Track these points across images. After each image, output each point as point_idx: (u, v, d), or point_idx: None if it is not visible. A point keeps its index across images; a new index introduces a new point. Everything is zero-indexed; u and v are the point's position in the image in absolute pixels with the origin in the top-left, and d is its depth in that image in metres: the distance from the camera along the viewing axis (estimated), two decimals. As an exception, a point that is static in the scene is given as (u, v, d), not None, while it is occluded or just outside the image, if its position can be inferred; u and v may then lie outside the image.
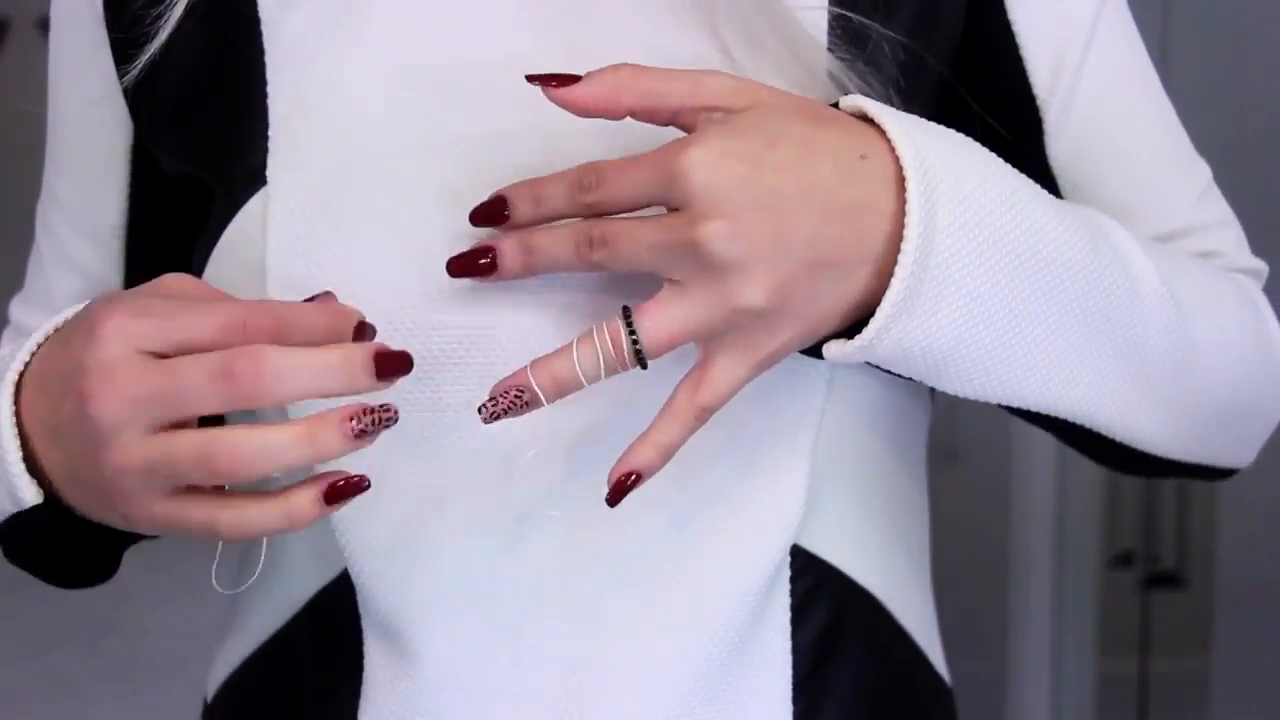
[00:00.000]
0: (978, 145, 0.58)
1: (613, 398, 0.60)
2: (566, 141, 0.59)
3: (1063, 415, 0.61)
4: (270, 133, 0.62)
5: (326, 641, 0.64)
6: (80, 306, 0.59)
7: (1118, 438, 0.63)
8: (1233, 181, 0.71)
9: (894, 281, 0.54)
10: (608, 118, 0.55)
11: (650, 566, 0.62)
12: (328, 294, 0.54)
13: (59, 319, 0.61)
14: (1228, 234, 0.71)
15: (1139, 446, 0.64)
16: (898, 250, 0.54)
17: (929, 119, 0.66)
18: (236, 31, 0.64)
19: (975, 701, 2.41)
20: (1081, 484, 2.14)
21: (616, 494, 0.55)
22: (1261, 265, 0.72)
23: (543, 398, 0.54)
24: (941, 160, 0.55)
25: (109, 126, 0.69)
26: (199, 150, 0.65)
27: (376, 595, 0.62)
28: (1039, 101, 0.66)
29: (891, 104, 0.61)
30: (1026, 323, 0.57)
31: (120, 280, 0.73)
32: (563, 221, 0.56)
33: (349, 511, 0.61)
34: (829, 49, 0.61)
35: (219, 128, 0.64)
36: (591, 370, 0.54)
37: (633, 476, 0.55)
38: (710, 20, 0.60)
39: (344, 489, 0.52)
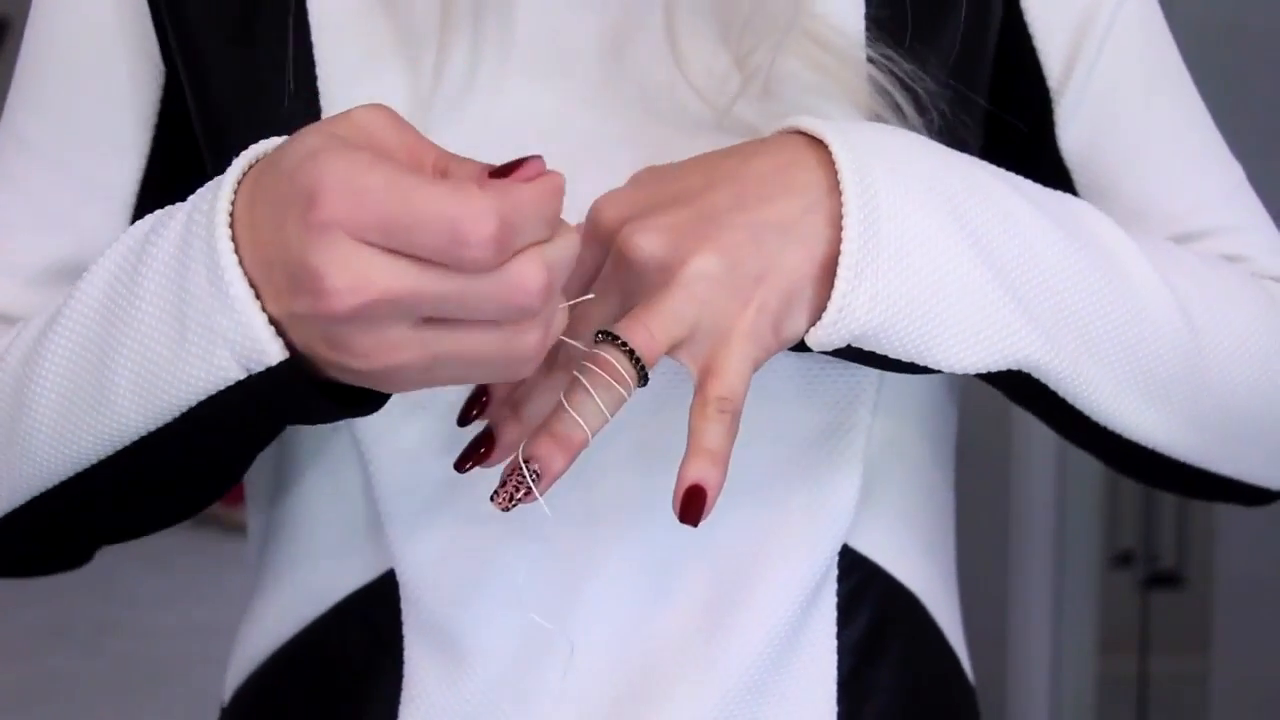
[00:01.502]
0: (904, 131, 0.57)
1: (658, 407, 0.59)
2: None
3: (1055, 388, 0.58)
4: (323, 102, 0.60)
5: (361, 641, 0.64)
6: (262, 147, 0.50)
7: (1117, 429, 0.61)
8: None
9: (847, 208, 0.53)
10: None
11: (703, 567, 0.62)
12: (537, 159, 0.46)
13: (253, 154, 0.50)
14: (1258, 238, 0.68)
15: (1150, 444, 0.62)
16: (840, 194, 0.53)
17: (983, 117, 0.64)
18: None
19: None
20: (1081, 484, 2.14)
21: (691, 512, 0.51)
22: None
23: (553, 466, 0.50)
24: (864, 137, 0.55)
25: (127, 69, 0.64)
26: (236, 115, 0.62)
27: (426, 598, 0.62)
28: (1051, 91, 0.65)
29: (941, 102, 0.61)
30: (994, 270, 0.55)
31: None
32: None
33: (402, 518, 0.61)
34: (867, 46, 0.60)
35: (259, 91, 0.61)
36: (595, 414, 0.50)
37: (698, 490, 0.51)
38: (730, 34, 0.60)
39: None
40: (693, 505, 0.51)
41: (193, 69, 0.62)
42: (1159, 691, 2.39)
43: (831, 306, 0.53)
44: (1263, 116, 1.80)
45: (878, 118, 0.60)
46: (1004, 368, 0.56)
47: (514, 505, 0.50)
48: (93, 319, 0.52)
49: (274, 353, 0.48)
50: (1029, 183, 0.59)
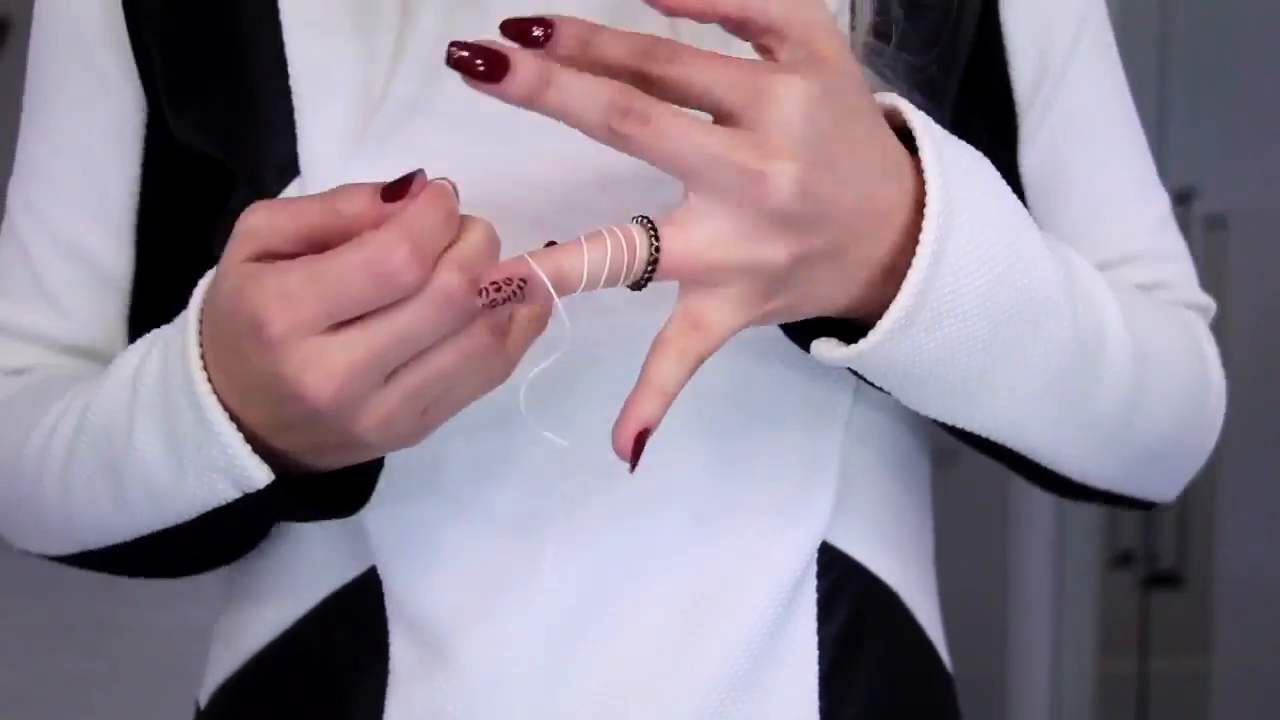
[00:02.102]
0: (994, 173, 0.57)
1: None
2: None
3: (1006, 442, 0.61)
4: (297, 117, 0.61)
5: (346, 637, 0.64)
6: (197, 292, 0.54)
7: (1047, 464, 0.63)
8: (1232, 182, 0.71)
9: (903, 291, 0.52)
10: (698, 20, 0.49)
11: (685, 563, 0.62)
12: (419, 174, 0.49)
13: (193, 308, 0.54)
14: (1179, 267, 0.71)
15: (1070, 475, 0.65)
16: (905, 263, 0.52)
17: (953, 115, 0.66)
18: None
19: (975, 701, 2.41)
20: (1081, 484, 2.14)
21: (635, 453, 0.50)
22: (1209, 302, 0.72)
23: (538, 292, 0.48)
24: (961, 192, 0.53)
25: (118, 99, 0.66)
26: (216, 130, 0.64)
27: (408, 597, 0.62)
28: (1018, 108, 0.66)
29: (914, 99, 0.61)
30: (1004, 351, 0.56)
31: (130, 268, 0.69)
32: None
33: (384, 516, 0.62)
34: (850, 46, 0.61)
35: (235, 105, 0.63)
36: (596, 270, 0.48)
37: (645, 433, 0.50)
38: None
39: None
40: (639, 449, 0.50)
41: (174, 90, 0.65)
42: (1159, 691, 2.39)
43: (843, 350, 0.54)
44: (1263, 116, 1.80)
45: None
46: (971, 431, 0.59)
47: (494, 308, 0.48)
48: (103, 448, 0.58)
49: (261, 478, 0.54)
50: (1059, 243, 0.60)
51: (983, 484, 2.24)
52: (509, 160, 0.60)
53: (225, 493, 0.55)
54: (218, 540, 0.61)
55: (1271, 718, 1.95)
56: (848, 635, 0.65)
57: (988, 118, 0.67)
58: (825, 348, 0.55)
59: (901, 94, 0.61)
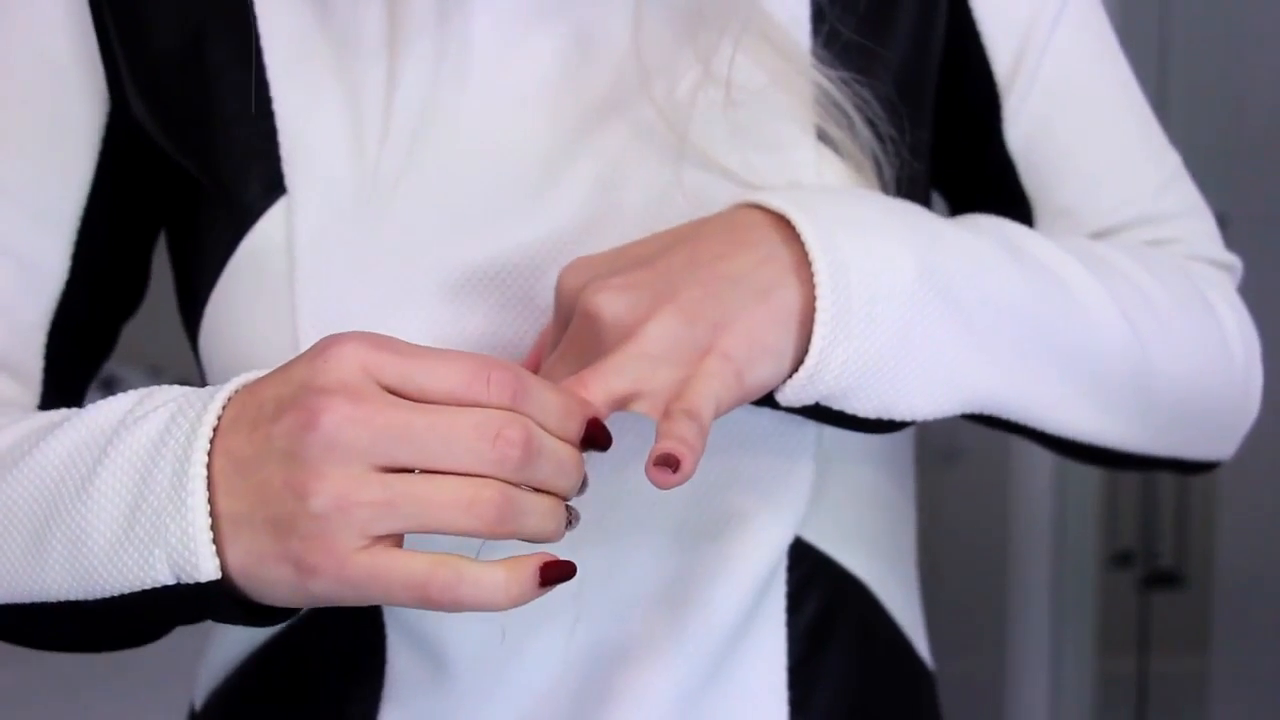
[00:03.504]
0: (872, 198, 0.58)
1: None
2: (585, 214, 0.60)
3: (1011, 417, 0.60)
4: (281, 138, 0.61)
5: (344, 641, 0.64)
6: (246, 379, 0.50)
7: (1070, 437, 0.63)
8: (1232, 181, 0.71)
9: (816, 265, 0.53)
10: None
11: (665, 565, 0.63)
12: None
13: (245, 378, 0.51)
14: (1192, 224, 0.71)
15: (1101, 444, 0.64)
16: (794, 244, 0.54)
17: (931, 121, 0.66)
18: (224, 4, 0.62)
19: (975, 700, 2.41)
20: (1081, 483, 2.15)
21: (665, 474, 0.48)
22: (1233, 260, 0.71)
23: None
24: (793, 190, 0.56)
25: (76, 96, 0.64)
26: (194, 142, 0.63)
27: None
28: (999, 88, 0.67)
29: (887, 110, 0.62)
30: (958, 315, 0.56)
31: (65, 273, 0.65)
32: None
33: None
34: (813, 54, 0.62)
35: (214, 120, 0.62)
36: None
37: (670, 455, 0.48)
38: (694, 35, 0.61)
39: (556, 572, 0.47)
40: (666, 464, 0.49)
41: (151, 99, 0.63)
42: (1157, 690, 2.40)
43: (809, 361, 0.53)
44: (1263, 116, 1.80)
45: (825, 132, 0.62)
46: (964, 412, 0.58)
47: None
48: (46, 485, 0.51)
49: (208, 570, 0.47)
50: (973, 217, 0.61)
51: (983, 484, 2.25)
52: (502, 170, 0.61)
53: (159, 576, 0.48)
54: (119, 627, 0.53)
55: (1270, 717, 1.95)
56: (817, 628, 0.65)
57: (969, 100, 0.68)
58: (788, 388, 0.54)
59: (878, 93, 0.63)
